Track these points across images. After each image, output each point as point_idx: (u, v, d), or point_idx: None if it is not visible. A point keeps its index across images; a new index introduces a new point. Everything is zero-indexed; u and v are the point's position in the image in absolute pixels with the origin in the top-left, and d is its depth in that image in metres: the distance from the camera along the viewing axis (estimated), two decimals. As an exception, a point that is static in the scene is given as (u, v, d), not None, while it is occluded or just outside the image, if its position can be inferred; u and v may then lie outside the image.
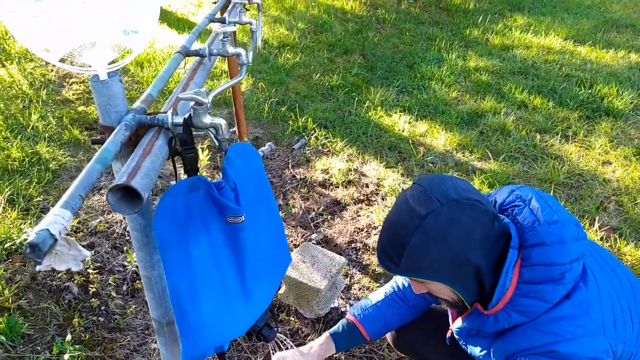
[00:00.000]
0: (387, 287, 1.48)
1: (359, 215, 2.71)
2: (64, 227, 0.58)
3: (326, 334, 1.41)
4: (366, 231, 2.59)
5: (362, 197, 2.86)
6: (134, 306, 2.00)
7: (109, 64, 0.87)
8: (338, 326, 1.44)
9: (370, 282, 2.25)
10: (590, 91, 4.04)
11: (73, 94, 3.71)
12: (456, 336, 1.22)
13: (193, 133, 0.90)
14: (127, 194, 0.77)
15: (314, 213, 2.71)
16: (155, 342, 1.87)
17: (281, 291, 2.06)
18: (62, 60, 0.87)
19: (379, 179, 3.02)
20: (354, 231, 2.58)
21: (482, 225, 0.96)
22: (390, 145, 3.40)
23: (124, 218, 2.43)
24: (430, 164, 3.15)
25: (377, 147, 3.36)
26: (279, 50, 4.87)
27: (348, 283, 2.23)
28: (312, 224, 2.63)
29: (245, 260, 1.01)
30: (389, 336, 1.58)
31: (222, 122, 0.90)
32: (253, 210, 1.02)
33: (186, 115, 0.89)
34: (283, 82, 4.22)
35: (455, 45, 5.31)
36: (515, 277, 0.98)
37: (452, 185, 0.98)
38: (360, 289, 2.21)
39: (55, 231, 0.56)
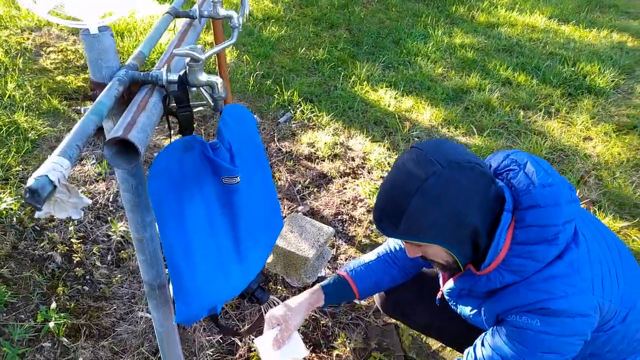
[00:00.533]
0: (380, 249, 1.50)
1: (345, 188, 2.72)
2: (63, 175, 0.56)
3: (317, 285, 1.42)
4: (352, 204, 2.60)
5: (348, 171, 2.86)
6: (119, 275, 1.98)
7: (100, 18, 0.84)
8: (329, 280, 1.46)
9: (356, 252, 2.27)
10: (573, 69, 4.09)
11: (51, 63, 3.59)
12: (447, 297, 1.25)
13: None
14: (123, 149, 0.75)
15: (300, 186, 2.71)
16: (142, 311, 1.87)
17: (269, 260, 2.07)
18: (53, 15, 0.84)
19: (365, 152, 3.02)
20: (340, 203, 2.59)
21: (481, 187, 0.97)
22: (376, 120, 3.40)
23: (107, 189, 2.40)
24: (416, 139, 3.17)
25: (363, 122, 3.36)
26: (264, 23, 4.78)
27: (334, 254, 2.25)
28: (298, 197, 2.63)
29: (240, 222, 1.01)
30: (377, 299, 1.60)
31: (218, 79, 0.88)
32: (248, 172, 1.02)
33: (181, 72, 0.87)
34: (268, 56, 4.16)
35: (441, 22, 5.29)
36: (508, 239, 1.00)
37: (452, 148, 0.98)
38: (346, 259, 2.23)
39: (54, 178, 0.55)
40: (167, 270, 1.10)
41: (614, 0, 6.31)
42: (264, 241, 1.13)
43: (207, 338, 1.80)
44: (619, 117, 3.46)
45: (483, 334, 1.09)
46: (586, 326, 0.96)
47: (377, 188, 2.69)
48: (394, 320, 1.93)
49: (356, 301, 2.00)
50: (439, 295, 1.32)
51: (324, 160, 2.94)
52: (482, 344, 1.06)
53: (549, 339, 0.96)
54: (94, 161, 2.56)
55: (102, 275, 1.97)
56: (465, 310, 1.17)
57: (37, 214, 0.54)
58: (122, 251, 2.09)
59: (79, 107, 2.77)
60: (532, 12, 5.63)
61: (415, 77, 4.03)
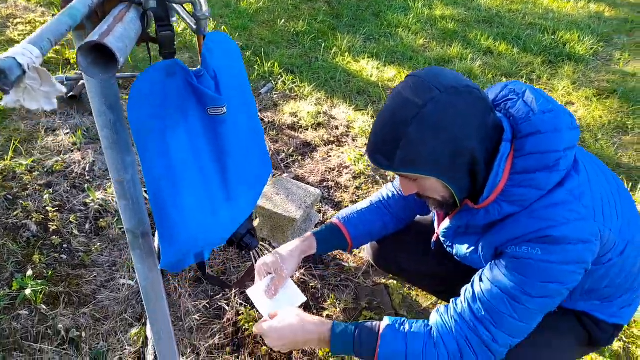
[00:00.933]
0: (372, 197, 1.46)
1: (330, 156, 2.67)
2: (32, 62, 0.50)
3: (308, 232, 1.38)
4: (338, 170, 2.56)
5: (332, 139, 2.81)
6: (99, 244, 1.91)
7: None
8: (321, 227, 1.42)
9: (343, 217, 2.24)
10: (553, 37, 4.10)
11: (19, 35, 3.42)
12: (442, 238, 1.22)
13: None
14: (100, 60, 0.69)
15: (284, 154, 2.65)
16: (124, 278, 1.80)
17: (255, 223, 2.02)
18: None
19: (348, 121, 2.97)
20: (326, 171, 2.55)
21: (479, 111, 0.93)
22: (359, 90, 3.35)
23: (82, 158, 2.30)
24: (399, 107, 3.13)
25: (346, 92, 3.30)
26: (241, -5, 4.66)
27: (321, 219, 2.21)
28: (282, 165, 2.58)
29: (227, 157, 0.95)
30: (369, 251, 1.57)
31: (201, -5, 0.81)
32: (234, 105, 0.96)
33: (160, -14, 0.80)
34: (246, 28, 4.05)
35: (421, -5, 5.24)
36: (507, 169, 0.97)
37: (450, 74, 0.95)
38: (333, 224, 2.19)
39: (23, 61, 0.48)
40: (151, 217, 1.04)
41: (590, -26, 6.35)
42: (252, 183, 1.08)
43: (193, 303, 1.74)
44: (599, 82, 3.48)
45: (481, 270, 1.06)
46: (587, 253, 0.94)
47: (362, 155, 2.65)
48: (384, 281, 1.90)
49: (347, 262, 1.97)
50: (434, 238, 1.29)
51: (307, 130, 2.89)
52: (481, 279, 1.03)
53: (551, 267, 0.94)
54: (68, 131, 2.45)
55: (80, 244, 1.89)
56: (462, 249, 1.14)
57: (4, 101, 0.48)
58: (101, 219, 2.00)
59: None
60: (511, -15, 5.63)
61: (397, 49, 3.98)
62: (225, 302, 1.78)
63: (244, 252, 1.18)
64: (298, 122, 2.94)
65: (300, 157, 2.64)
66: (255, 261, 1.27)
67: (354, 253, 2.03)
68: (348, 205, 2.32)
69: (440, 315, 1.07)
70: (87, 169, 2.24)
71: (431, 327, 1.06)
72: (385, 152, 0.96)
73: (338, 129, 2.90)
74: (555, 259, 0.93)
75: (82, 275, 1.77)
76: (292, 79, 3.36)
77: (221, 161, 0.95)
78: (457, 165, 0.95)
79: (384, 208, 1.41)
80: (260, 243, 1.24)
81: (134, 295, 1.75)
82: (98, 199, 2.05)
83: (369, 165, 2.57)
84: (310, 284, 1.86)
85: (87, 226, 1.97)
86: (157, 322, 1.24)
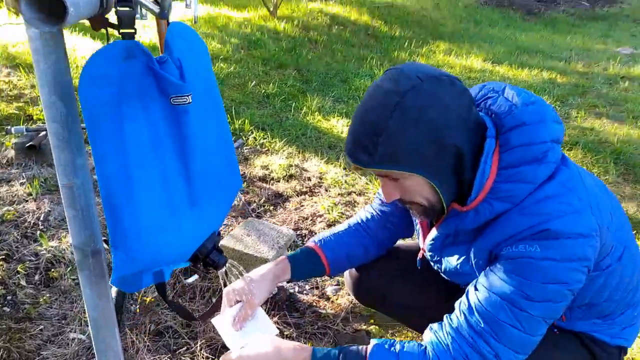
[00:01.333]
0: (350, 220, 1.37)
1: (303, 206, 2.59)
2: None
3: (282, 256, 1.25)
4: (311, 219, 2.47)
5: (305, 190, 2.75)
6: (48, 295, 1.71)
7: None
8: (295, 251, 1.30)
9: (318, 264, 2.11)
10: (513, 98, 4.30)
11: (-20, 94, 3.34)
12: (429, 254, 1.12)
13: None
14: (48, 16, 0.62)
15: (255, 204, 2.56)
16: (74, 331, 1.60)
17: (225, 268, 1.87)
18: None
19: (321, 172, 2.93)
20: (299, 219, 2.45)
21: (463, 103, 0.89)
22: (330, 145, 3.36)
23: (37, 208, 2.14)
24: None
25: (317, 146, 3.30)
26: (213, 61, 4.76)
27: (295, 266, 2.08)
28: (253, 214, 2.47)
29: (191, 154, 0.86)
30: (348, 281, 1.44)
31: (166, -31, 0.77)
32: (201, 100, 0.88)
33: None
34: (217, 90, 4.09)
35: (386, 64, 5.50)
36: (494, 165, 0.92)
37: (429, 66, 0.91)
38: (308, 271, 2.06)
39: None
40: (105, 232, 0.92)
41: (539, 48, 6.87)
42: (220, 191, 0.98)
43: (152, 358, 1.55)
44: (561, 135, 3.61)
45: (475, 280, 0.96)
46: (589, 249, 0.87)
47: (335, 203, 2.58)
48: (364, 327, 1.76)
49: (324, 309, 1.82)
50: (419, 255, 1.20)
51: (279, 181, 2.82)
52: (476, 288, 0.94)
53: (551, 265, 0.85)
54: (24, 181, 2.31)
55: (27, 295, 1.69)
56: (451, 261, 1.05)
57: None
58: (53, 270, 1.82)
59: (9, 127, 2.54)
60: (468, 56, 6.00)
61: (366, 109, 4.08)
62: (190, 356, 1.59)
63: (209, 271, 1.05)
64: (269, 175, 2.88)
65: (272, 207, 2.55)
66: (224, 284, 1.14)
67: (331, 299, 1.89)
68: (323, 253, 2.21)
69: (434, 332, 0.96)
70: (41, 219, 2.08)
71: (425, 347, 0.94)
72: (365, 147, 0.89)
73: (310, 180, 2.85)
74: (556, 255, 0.85)
75: (26, 329, 1.56)
76: (263, 135, 3.35)
77: (184, 159, 0.86)
78: (441, 160, 0.89)
79: (363, 231, 1.32)
80: (230, 261, 1.11)
81: (84, 351, 1.54)
82: (51, 247, 1.87)
83: (341, 214, 2.49)
84: (285, 333, 1.69)
85: (36, 277, 1.79)
86: (107, 364, 1.06)
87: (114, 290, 1.66)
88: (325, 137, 3.46)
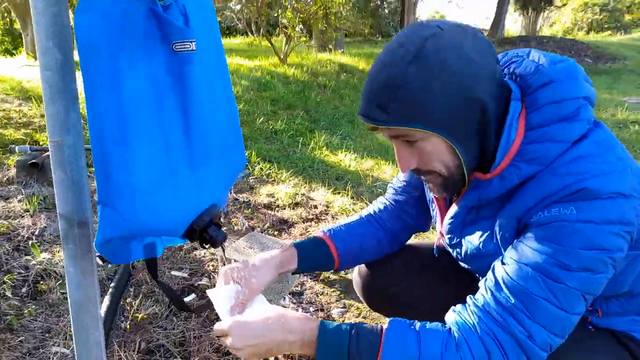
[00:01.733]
0: (363, 211, 1.26)
1: (308, 232, 2.49)
2: None
3: (289, 244, 1.14)
4: (317, 245, 2.36)
5: (310, 217, 2.66)
6: (33, 307, 1.60)
7: None
8: (303, 240, 1.19)
9: (324, 287, 1.99)
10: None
11: (-11, 121, 3.36)
12: (447, 237, 1.01)
13: None
14: None
15: (259, 229, 2.46)
16: (58, 345, 1.47)
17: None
18: None
19: (327, 201, 2.85)
20: (304, 244, 2.34)
21: (488, 58, 0.82)
22: (338, 177, 3.30)
23: (33, 224, 2.06)
24: (379, 190, 3.05)
25: (324, 178, 3.24)
26: (222, 100, 4.83)
27: (300, 289, 1.95)
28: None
29: (193, 110, 0.80)
30: (357, 280, 1.30)
31: None
32: (206, 53, 0.83)
33: None
34: (225, 126, 4.10)
35: (393, 108, 5.55)
36: (521, 128, 0.83)
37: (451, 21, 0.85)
38: (312, 294, 1.93)
39: None
40: (95, 197, 0.84)
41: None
42: (222, 163, 0.90)
43: (141, 376, 1.41)
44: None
45: (500, 257, 0.85)
46: (631, 211, 0.76)
47: (343, 230, 2.48)
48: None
49: (332, 310, 1.68)
50: (436, 242, 1.09)
51: (284, 209, 2.74)
52: (503, 262, 0.82)
53: (589, 228, 0.75)
54: (22, 197, 2.24)
55: (11, 307, 1.58)
56: (473, 241, 0.93)
57: None
58: (42, 282, 1.71)
59: (13, 146, 2.51)
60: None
61: (373, 147, 4.05)
62: (188, 311, 1.45)
63: (206, 248, 0.95)
64: (275, 202, 2.80)
65: (276, 232, 2.45)
66: (222, 263, 1.03)
67: (336, 321, 1.75)
68: (329, 277, 2.08)
69: (458, 313, 0.84)
70: (35, 233, 1.99)
71: (450, 328, 0.82)
72: (380, 103, 0.81)
73: (317, 207, 2.76)
74: (594, 217, 0.75)
75: (5, 339, 1.44)
76: (270, 167, 3.31)
77: (186, 115, 0.80)
78: (464, 117, 0.81)
79: (376, 222, 1.22)
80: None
81: (66, 365, 1.41)
82: (43, 258, 1.77)
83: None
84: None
85: (24, 289, 1.68)
86: (88, 356, 0.94)
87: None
88: (333, 169, 3.41)
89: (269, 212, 2.70)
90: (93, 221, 0.85)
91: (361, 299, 1.36)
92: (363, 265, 1.29)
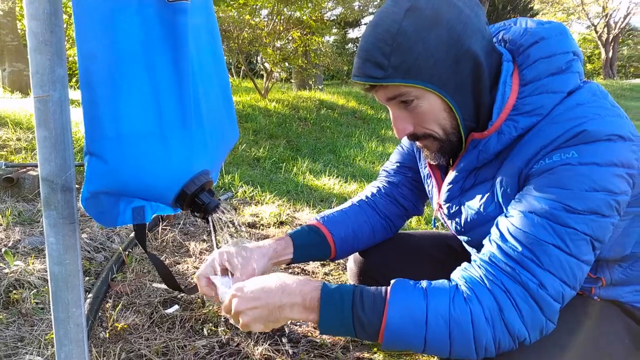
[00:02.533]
0: (355, 198, 1.23)
1: (295, 248, 2.43)
2: None
3: (284, 234, 1.10)
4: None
5: (296, 235, 2.60)
6: (4, 314, 1.49)
7: None
8: (297, 228, 1.14)
9: (313, 299, 1.92)
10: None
11: (-38, 145, 3.25)
12: (446, 206, 0.99)
13: None
14: None
15: (243, 246, 2.39)
16: (32, 354, 1.36)
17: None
18: None
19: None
20: (290, 260, 2.28)
21: (478, 15, 0.84)
22: (322, 198, 3.27)
23: (7, 237, 1.96)
24: (364, 209, 3.03)
25: (309, 199, 3.21)
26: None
27: (287, 301, 1.88)
28: (242, 255, 2.30)
29: (185, 64, 0.77)
30: (353, 267, 1.26)
31: None
32: (199, 12, 0.82)
33: None
34: (207, 152, 4.07)
35: (374, 139, 5.62)
36: (515, 84, 0.84)
37: None
38: (302, 305, 1.86)
39: None
40: (83, 163, 0.80)
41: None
42: (215, 130, 0.87)
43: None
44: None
45: (504, 213, 0.83)
46: (631, 154, 0.76)
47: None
48: (367, 355, 1.54)
49: (320, 338, 1.61)
50: (435, 214, 1.06)
51: (269, 227, 2.68)
52: (506, 215, 0.80)
53: (593, 169, 0.74)
54: (-6, 211, 2.14)
55: (-21, 315, 1.47)
56: (473, 205, 0.91)
57: None
58: (14, 291, 1.61)
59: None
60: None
61: (356, 172, 4.06)
62: (179, 291, 1.35)
63: (197, 217, 0.91)
64: (259, 221, 2.74)
65: (261, 249, 2.38)
66: (215, 230, 0.98)
67: (328, 331, 1.68)
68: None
69: (464, 269, 0.81)
70: (9, 245, 1.89)
71: (457, 283, 0.79)
72: (375, 60, 0.81)
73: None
74: (597, 159, 0.74)
75: (-28, 347, 1.33)
76: (253, 190, 3.27)
77: (178, 67, 0.77)
78: (458, 71, 0.82)
79: (369, 207, 1.19)
80: (223, 206, 0.96)
81: (39, 374, 1.30)
82: (16, 266, 1.68)
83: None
84: (277, 360, 1.47)
85: (-6, 299, 1.57)
86: (68, 338, 0.87)
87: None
88: (317, 192, 3.39)
89: (254, 230, 2.64)
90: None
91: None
92: (357, 253, 1.25)
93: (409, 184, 1.18)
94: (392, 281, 0.82)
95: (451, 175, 0.97)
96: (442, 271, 1.15)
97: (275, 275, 0.85)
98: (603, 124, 0.76)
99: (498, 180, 0.86)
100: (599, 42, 22.21)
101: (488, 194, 0.89)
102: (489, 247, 0.80)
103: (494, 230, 0.81)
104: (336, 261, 2.26)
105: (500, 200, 0.86)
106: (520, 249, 0.75)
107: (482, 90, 0.85)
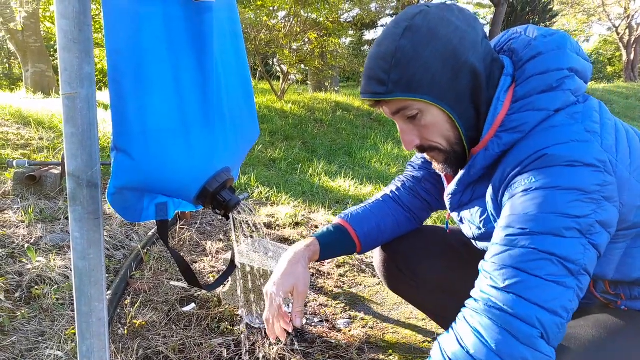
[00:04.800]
0: (379, 193, 1.27)
1: (310, 249, 2.44)
2: None
3: (309, 237, 1.15)
4: (320, 262, 2.30)
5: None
6: (26, 309, 1.52)
7: None
8: (322, 230, 1.18)
9: (327, 300, 1.93)
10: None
11: None
12: (453, 214, 1.02)
13: None
14: None
15: (259, 246, 2.41)
16: (52, 349, 1.39)
17: (225, 288, 1.69)
18: None
19: (328, 221, 2.82)
20: (306, 260, 2.29)
21: (476, 29, 0.86)
22: (338, 200, 3.27)
23: (29, 234, 2.00)
24: (380, 211, 3.03)
25: (324, 201, 3.22)
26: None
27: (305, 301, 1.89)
28: (257, 255, 2.31)
29: (209, 61, 0.79)
30: (379, 262, 1.30)
31: None
32: (223, 12, 0.84)
33: None
34: (224, 153, 4.11)
35: (389, 141, 5.61)
36: (508, 100, 0.86)
37: None
38: (318, 306, 1.87)
39: None
40: (110, 155, 0.82)
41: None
42: (237, 128, 0.89)
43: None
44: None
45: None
46: (591, 178, 0.75)
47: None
48: (382, 357, 1.54)
49: (335, 339, 1.61)
50: (447, 216, 1.08)
51: (285, 228, 2.70)
52: (484, 259, 0.80)
53: (549, 195, 0.74)
54: (18, 207, 2.19)
55: (3, 310, 1.51)
56: (475, 220, 0.94)
57: None
58: (36, 287, 1.65)
59: (10, 160, 2.48)
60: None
61: (372, 174, 4.06)
62: (201, 289, 1.38)
63: (218, 214, 0.92)
64: (275, 222, 2.76)
65: (277, 249, 2.40)
66: (235, 227, 0.99)
67: (343, 332, 1.69)
68: (332, 291, 2.02)
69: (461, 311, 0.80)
70: (31, 242, 1.93)
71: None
72: (377, 75, 0.86)
73: (318, 227, 2.72)
74: (554, 182, 0.74)
75: (-5, 340, 1.36)
76: (269, 190, 3.29)
77: (202, 65, 0.79)
78: (457, 83, 0.85)
79: (393, 201, 1.24)
80: (244, 204, 0.97)
81: (60, 369, 1.33)
82: (38, 262, 1.71)
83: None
84: (292, 360, 1.48)
85: (17, 294, 1.61)
86: (90, 332, 0.89)
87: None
88: (332, 193, 3.39)
89: (270, 231, 2.65)
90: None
91: (379, 277, 1.37)
92: (384, 245, 1.30)
93: (432, 179, 1.20)
94: None
95: (451, 186, 0.99)
96: (466, 262, 1.16)
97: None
98: (565, 149, 0.76)
99: (488, 197, 0.89)
100: (620, 44, 21.80)
101: (486, 213, 0.91)
102: (481, 278, 0.79)
103: (482, 261, 0.81)
104: (353, 260, 2.27)
105: (492, 218, 0.89)
106: (502, 285, 0.73)
107: (482, 101, 0.87)
